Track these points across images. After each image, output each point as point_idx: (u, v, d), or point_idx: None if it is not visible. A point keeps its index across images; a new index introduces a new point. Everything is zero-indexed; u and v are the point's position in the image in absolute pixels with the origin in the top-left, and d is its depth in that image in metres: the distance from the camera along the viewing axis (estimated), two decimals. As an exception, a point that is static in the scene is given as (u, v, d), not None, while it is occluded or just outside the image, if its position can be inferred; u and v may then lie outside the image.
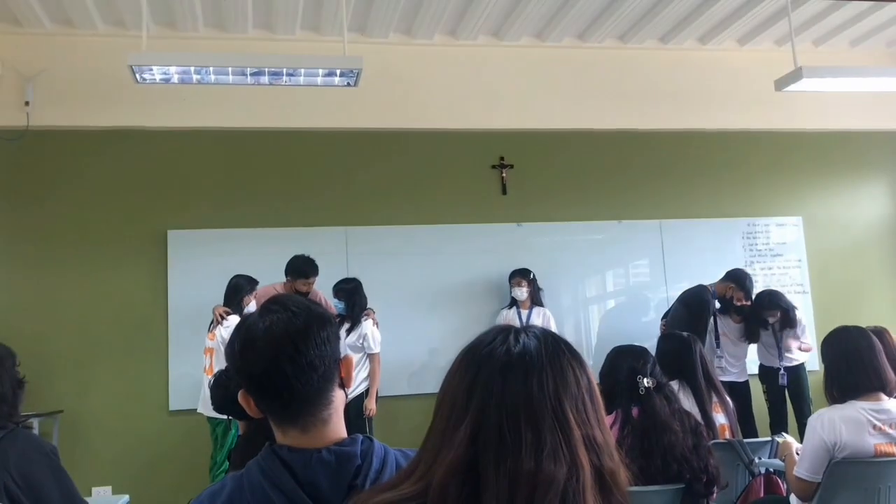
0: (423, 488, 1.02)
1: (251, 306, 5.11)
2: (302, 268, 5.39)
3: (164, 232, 5.93)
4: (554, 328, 5.89)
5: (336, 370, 1.40)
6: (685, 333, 3.85)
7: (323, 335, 1.37)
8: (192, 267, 5.89)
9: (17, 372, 2.52)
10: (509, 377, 1.02)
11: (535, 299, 6.15)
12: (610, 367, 2.96)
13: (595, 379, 1.09)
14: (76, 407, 5.64)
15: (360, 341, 5.48)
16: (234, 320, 4.98)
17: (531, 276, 6.13)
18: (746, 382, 5.93)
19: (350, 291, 5.53)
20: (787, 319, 5.85)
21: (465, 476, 0.98)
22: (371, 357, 5.51)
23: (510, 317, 6.06)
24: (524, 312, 6.09)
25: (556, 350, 1.06)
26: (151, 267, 5.88)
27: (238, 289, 5.21)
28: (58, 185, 5.88)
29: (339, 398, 1.40)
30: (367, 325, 5.50)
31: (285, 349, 1.34)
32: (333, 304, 5.49)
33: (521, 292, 6.08)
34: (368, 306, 5.60)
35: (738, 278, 5.89)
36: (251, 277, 5.30)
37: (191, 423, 5.39)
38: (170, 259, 5.90)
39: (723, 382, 5.75)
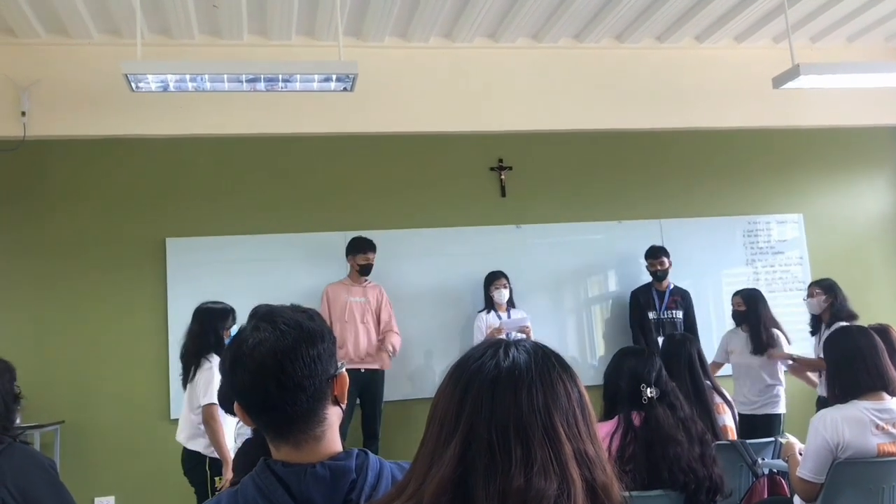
0: (414, 506, 1.00)
1: None
2: (359, 243, 5.79)
3: (163, 240, 5.92)
4: (531, 329, 5.82)
5: (328, 388, 1.37)
6: (680, 335, 3.82)
7: (312, 353, 1.34)
8: (191, 275, 5.87)
9: (13, 387, 2.51)
10: (498, 392, 1.01)
11: (510, 301, 6.02)
12: (614, 369, 2.95)
13: (586, 391, 1.08)
14: (77, 417, 5.63)
15: None
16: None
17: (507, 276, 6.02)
18: (768, 416, 5.12)
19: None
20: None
21: (454, 493, 0.97)
22: None
23: (491, 321, 5.87)
24: (504, 315, 5.93)
25: (546, 364, 1.05)
26: (150, 275, 5.87)
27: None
28: (55, 194, 5.87)
29: (332, 414, 1.38)
30: None
31: (271, 370, 1.32)
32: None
33: (504, 294, 5.94)
34: None
35: (651, 253, 6.19)
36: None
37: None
38: (169, 267, 5.89)
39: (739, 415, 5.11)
